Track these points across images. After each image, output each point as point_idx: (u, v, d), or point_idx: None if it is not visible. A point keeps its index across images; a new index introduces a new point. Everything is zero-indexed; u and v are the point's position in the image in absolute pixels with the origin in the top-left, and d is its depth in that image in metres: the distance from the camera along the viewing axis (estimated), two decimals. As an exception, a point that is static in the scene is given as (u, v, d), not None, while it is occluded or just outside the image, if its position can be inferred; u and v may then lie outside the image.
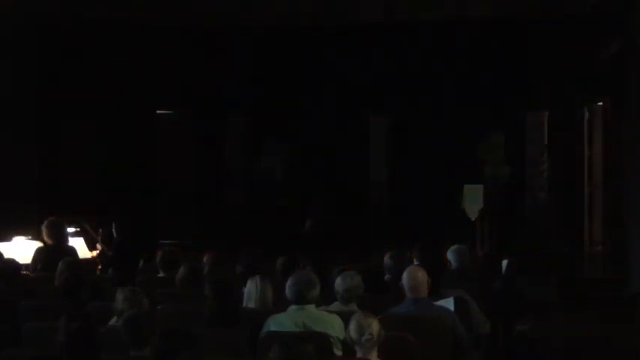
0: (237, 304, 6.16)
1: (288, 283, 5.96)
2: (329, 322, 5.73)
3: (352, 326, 5.10)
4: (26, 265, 8.34)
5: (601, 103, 13.28)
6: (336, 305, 6.21)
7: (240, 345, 5.55)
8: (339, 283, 6.21)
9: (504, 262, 9.12)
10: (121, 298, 5.81)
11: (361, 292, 6.27)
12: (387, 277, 7.40)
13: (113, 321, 5.81)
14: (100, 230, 9.88)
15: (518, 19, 13.49)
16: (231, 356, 5.27)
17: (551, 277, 10.95)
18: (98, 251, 9.74)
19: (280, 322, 5.80)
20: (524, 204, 14.34)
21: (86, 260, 9.09)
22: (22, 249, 8.75)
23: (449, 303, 6.40)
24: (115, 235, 9.73)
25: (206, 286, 6.16)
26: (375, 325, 5.09)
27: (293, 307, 5.87)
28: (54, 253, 8.17)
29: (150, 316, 5.37)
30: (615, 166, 12.35)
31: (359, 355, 5.09)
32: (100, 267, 9.50)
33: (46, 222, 8.55)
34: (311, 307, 5.86)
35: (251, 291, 6.41)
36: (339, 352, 5.55)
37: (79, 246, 9.16)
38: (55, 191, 11.87)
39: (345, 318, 5.55)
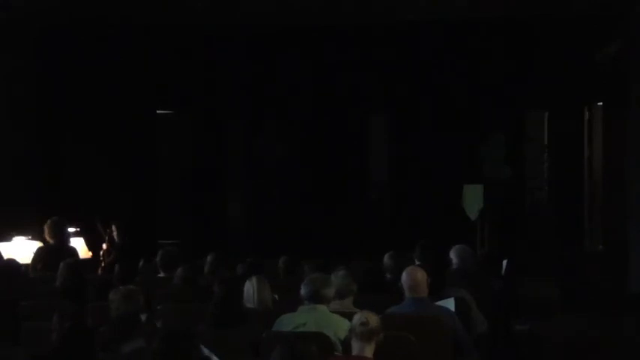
0: (241, 305, 6.15)
1: (304, 281, 5.92)
2: (340, 325, 5.60)
3: (355, 317, 5.15)
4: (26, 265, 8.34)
5: (601, 103, 13.27)
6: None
7: (241, 345, 5.55)
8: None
9: (504, 262, 9.12)
10: (117, 298, 5.80)
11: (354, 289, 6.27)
12: (387, 277, 7.41)
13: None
14: (108, 230, 9.89)
15: (519, 19, 13.48)
16: (232, 356, 5.26)
17: (551, 277, 10.94)
18: (103, 250, 9.74)
19: (290, 322, 5.74)
20: (524, 204, 14.34)
21: (87, 260, 9.10)
22: (22, 249, 8.75)
23: (449, 303, 6.40)
24: (115, 235, 9.74)
25: (215, 285, 6.13)
26: (373, 320, 5.10)
27: (304, 307, 5.81)
28: (54, 253, 8.18)
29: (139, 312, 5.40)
30: (615, 166, 12.33)
31: (354, 350, 5.10)
32: (103, 265, 9.51)
33: (48, 221, 8.54)
34: (322, 307, 5.78)
35: (249, 291, 6.40)
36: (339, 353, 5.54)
37: (80, 246, 9.17)
38: (55, 191, 11.87)
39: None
